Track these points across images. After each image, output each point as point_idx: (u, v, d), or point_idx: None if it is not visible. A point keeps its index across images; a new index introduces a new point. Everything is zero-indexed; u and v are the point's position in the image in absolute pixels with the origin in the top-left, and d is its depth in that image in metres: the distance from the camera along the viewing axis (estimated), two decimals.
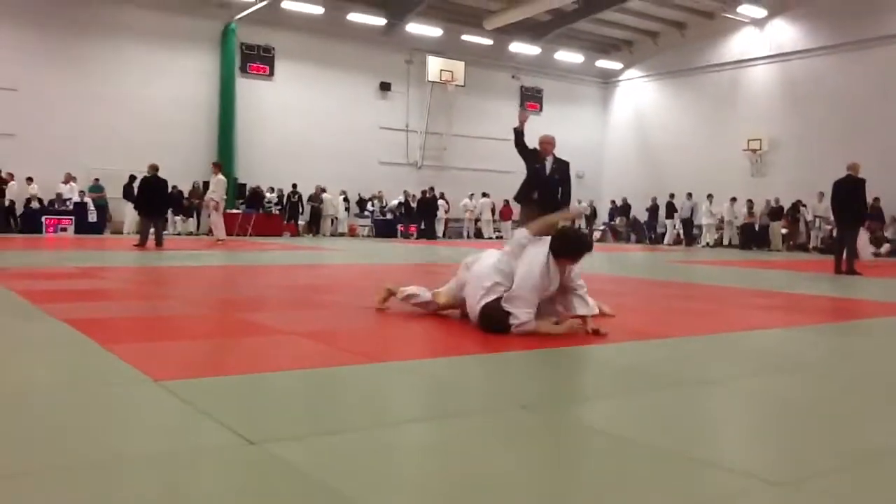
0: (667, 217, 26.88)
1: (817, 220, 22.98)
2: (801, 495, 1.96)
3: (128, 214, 20.85)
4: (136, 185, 17.03)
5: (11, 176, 20.26)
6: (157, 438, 2.32)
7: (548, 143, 8.32)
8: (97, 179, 21.64)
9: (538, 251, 4.37)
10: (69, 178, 21.02)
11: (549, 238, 4.42)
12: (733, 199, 25.09)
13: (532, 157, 8.27)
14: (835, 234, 20.26)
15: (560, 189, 8.38)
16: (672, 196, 26.38)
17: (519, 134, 8.18)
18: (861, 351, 4.64)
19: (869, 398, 3.23)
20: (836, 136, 23.71)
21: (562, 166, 8.34)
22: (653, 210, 27.76)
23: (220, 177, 16.31)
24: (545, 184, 8.23)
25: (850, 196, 11.68)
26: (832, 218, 19.00)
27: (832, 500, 1.96)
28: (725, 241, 25.38)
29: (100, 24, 22.18)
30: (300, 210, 24.34)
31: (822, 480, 2.08)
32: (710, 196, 25.55)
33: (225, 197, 16.96)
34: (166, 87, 23.08)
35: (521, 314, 4.22)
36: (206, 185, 18.53)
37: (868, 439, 2.54)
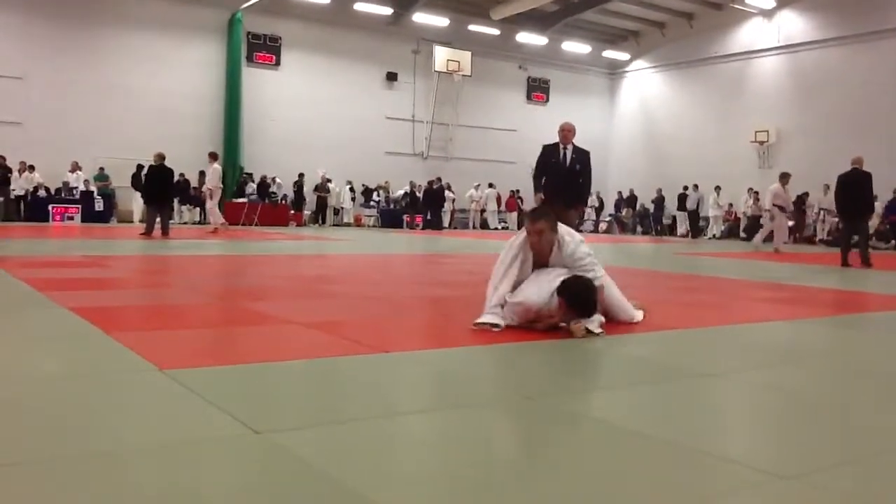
0: (679, 209, 26.77)
1: (822, 212, 22.92)
2: (808, 488, 1.95)
3: (136, 203, 20.90)
4: (143, 174, 17.07)
5: (24, 165, 20.26)
6: (162, 427, 2.32)
7: (568, 130, 7.86)
8: (102, 168, 21.67)
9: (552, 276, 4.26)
10: (75, 167, 21.04)
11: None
12: (751, 190, 24.89)
13: (545, 163, 7.92)
14: (840, 226, 20.33)
15: (581, 180, 7.90)
16: (686, 189, 26.26)
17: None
18: (867, 344, 4.62)
19: (875, 391, 3.22)
20: (845, 129, 23.57)
21: (582, 156, 7.85)
22: (659, 202, 27.72)
23: (216, 166, 16.41)
24: (565, 174, 7.79)
25: (857, 189, 11.77)
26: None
27: (839, 493, 1.95)
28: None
29: (107, 13, 22.16)
30: (304, 199, 24.33)
31: (829, 473, 2.07)
32: (717, 188, 25.47)
33: (221, 186, 16.99)
34: (173, 77, 23.06)
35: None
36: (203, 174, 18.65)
37: (874, 432, 2.52)
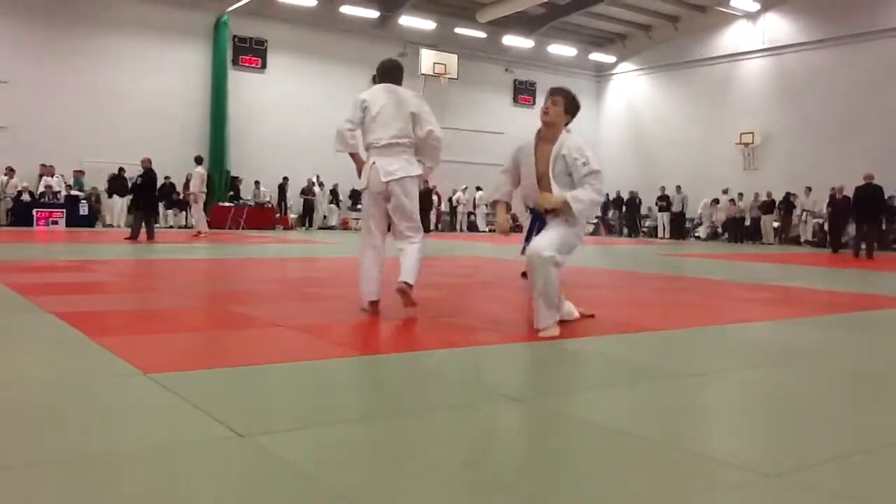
0: (659, 210, 26.85)
1: (805, 213, 23.08)
2: (795, 487, 1.96)
3: (115, 206, 20.80)
4: (129, 179, 16.99)
5: (6, 169, 20.08)
6: (146, 432, 2.30)
7: None
8: (63, 175, 21.27)
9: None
10: (52, 171, 20.74)
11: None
12: (741, 195, 25.01)
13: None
14: (826, 226, 20.53)
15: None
16: (663, 189, 26.35)
17: None
18: (854, 343, 4.65)
19: (861, 390, 3.24)
20: (829, 130, 23.78)
21: None
22: (644, 204, 27.88)
23: (199, 169, 16.33)
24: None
25: (872, 199, 14.16)
26: (824, 211, 19.87)
27: (826, 491, 1.95)
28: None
29: (92, 16, 22.01)
30: (287, 202, 24.27)
31: (816, 472, 2.08)
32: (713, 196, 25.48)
33: (205, 190, 16.90)
34: (158, 80, 22.93)
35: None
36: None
37: (860, 431, 2.54)
